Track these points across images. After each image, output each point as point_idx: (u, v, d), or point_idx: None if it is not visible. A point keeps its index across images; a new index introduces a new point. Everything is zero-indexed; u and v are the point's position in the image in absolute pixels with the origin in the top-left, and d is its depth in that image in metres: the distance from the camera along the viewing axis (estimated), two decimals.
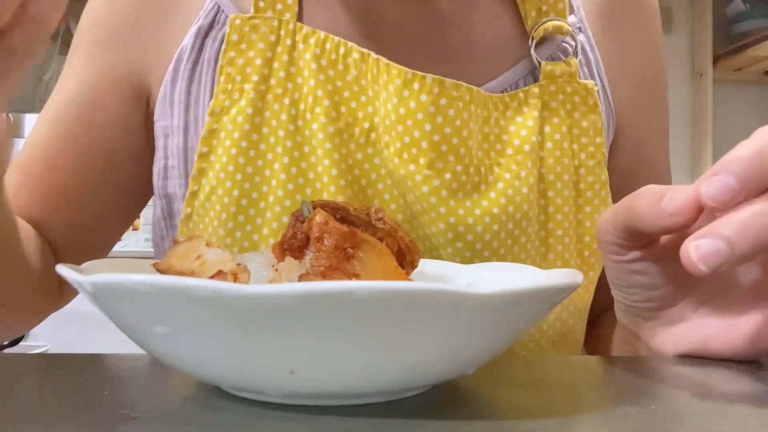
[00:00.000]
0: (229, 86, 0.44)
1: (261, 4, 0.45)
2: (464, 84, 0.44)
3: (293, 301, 0.20)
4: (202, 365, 0.23)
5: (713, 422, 0.24)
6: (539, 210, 0.47)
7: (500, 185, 0.45)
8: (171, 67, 0.47)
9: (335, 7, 0.47)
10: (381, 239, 0.32)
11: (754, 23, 2.06)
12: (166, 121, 0.48)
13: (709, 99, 2.12)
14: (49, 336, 1.48)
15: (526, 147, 0.46)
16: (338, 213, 0.33)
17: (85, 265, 0.29)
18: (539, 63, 0.48)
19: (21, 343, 1.34)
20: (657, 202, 0.30)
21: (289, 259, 0.32)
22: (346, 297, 0.20)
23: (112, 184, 0.52)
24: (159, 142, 0.49)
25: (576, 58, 0.49)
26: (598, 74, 0.51)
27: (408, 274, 0.32)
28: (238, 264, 0.29)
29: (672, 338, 0.35)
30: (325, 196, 0.43)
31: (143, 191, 0.53)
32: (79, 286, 0.23)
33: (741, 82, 2.21)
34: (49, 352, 1.39)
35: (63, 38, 2.09)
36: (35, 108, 2.02)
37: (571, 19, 0.50)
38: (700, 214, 0.29)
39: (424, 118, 0.43)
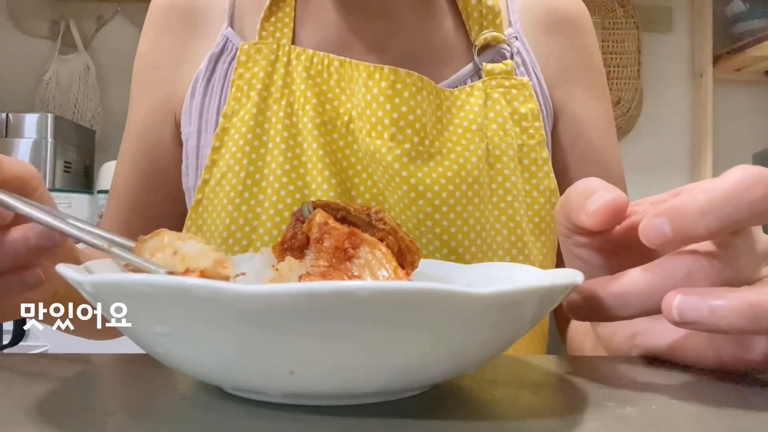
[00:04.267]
0: (239, 95, 0.56)
1: (264, 33, 0.57)
2: (415, 73, 0.54)
3: (293, 301, 0.20)
4: (202, 365, 0.23)
5: (714, 422, 0.24)
6: (490, 179, 0.55)
7: (452, 156, 0.54)
8: (190, 86, 0.59)
9: (320, 31, 0.59)
10: (381, 239, 0.32)
11: (754, 23, 2.05)
12: (186, 128, 0.59)
13: (709, 99, 2.12)
14: (49, 336, 1.48)
15: (473, 127, 0.55)
16: (339, 213, 0.33)
17: (85, 265, 0.29)
18: (481, 65, 0.58)
19: (21, 343, 1.34)
20: (586, 197, 0.31)
21: (289, 259, 0.32)
22: (346, 297, 0.20)
23: (170, 195, 0.63)
24: (184, 147, 0.60)
25: (512, 60, 0.59)
26: (534, 72, 0.61)
27: (408, 274, 0.32)
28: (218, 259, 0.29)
29: (609, 331, 0.36)
30: (315, 174, 0.53)
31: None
32: (79, 286, 0.23)
33: (741, 82, 2.21)
34: (49, 352, 1.39)
35: (63, 38, 2.10)
36: (35, 108, 2.02)
37: (509, 30, 0.61)
38: (620, 222, 0.31)
39: (384, 100, 0.53)
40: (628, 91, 2.09)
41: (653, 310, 0.29)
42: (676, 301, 0.27)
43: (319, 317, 0.20)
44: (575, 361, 0.38)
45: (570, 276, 0.28)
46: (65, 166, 1.84)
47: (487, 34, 0.59)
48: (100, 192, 1.48)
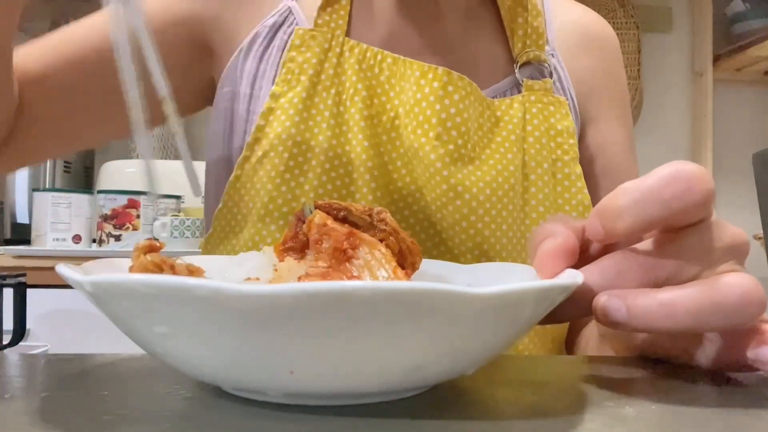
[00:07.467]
0: (289, 77, 0.56)
1: (320, 21, 0.58)
2: (466, 78, 0.56)
3: (293, 301, 0.20)
4: (202, 365, 0.23)
5: (714, 422, 0.24)
6: (523, 189, 0.57)
7: (491, 162, 0.56)
8: (245, 45, 0.59)
9: (375, 27, 0.60)
10: (382, 240, 0.32)
11: (754, 23, 2.05)
12: (234, 88, 0.59)
13: (709, 99, 2.12)
14: (49, 336, 1.48)
15: (512, 137, 0.57)
16: (340, 213, 0.33)
17: (85, 265, 0.29)
18: (521, 80, 0.60)
19: (21, 343, 1.34)
20: (536, 244, 0.32)
21: (288, 259, 0.32)
22: (345, 297, 0.20)
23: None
24: (222, 106, 0.59)
25: (551, 78, 0.61)
26: (568, 90, 0.63)
27: (408, 275, 0.32)
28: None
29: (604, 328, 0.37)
30: (357, 164, 0.54)
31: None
32: (79, 286, 0.23)
33: (741, 82, 2.21)
34: (49, 352, 1.39)
35: None
36: None
37: (546, 48, 0.63)
38: (573, 262, 0.31)
39: (434, 99, 0.55)
40: (628, 91, 2.09)
41: (589, 310, 0.30)
42: (600, 303, 0.29)
43: (318, 317, 0.20)
44: (575, 361, 0.38)
45: (570, 276, 0.28)
46: (65, 166, 1.84)
47: (530, 53, 0.61)
48: (100, 192, 1.48)
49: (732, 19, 2.12)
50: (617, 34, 2.07)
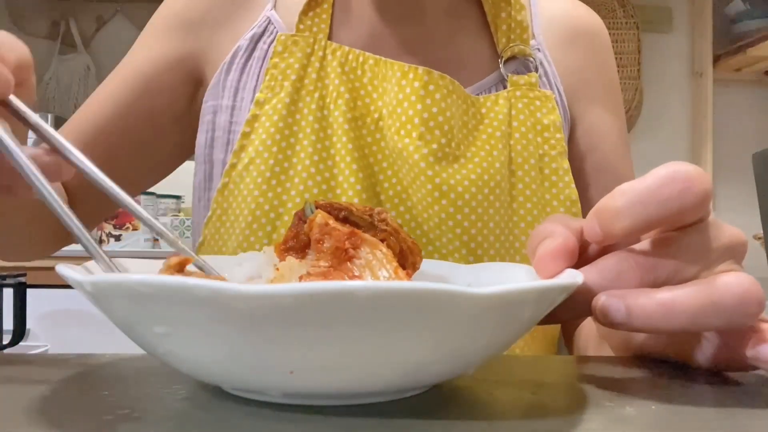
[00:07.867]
0: (272, 83, 0.56)
1: (302, 26, 0.58)
2: (448, 77, 0.56)
3: (293, 301, 0.20)
4: (202, 365, 0.23)
5: (714, 422, 0.24)
6: (509, 186, 0.57)
7: (476, 159, 0.55)
8: (227, 60, 0.59)
9: (357, 29, 0.60)
10: (383, 240, 0.32)
11: (754, 23, 2.06)
12: (216, 101, 0.60)
13: (709, 99, 2.12)
14: (49, 336, 1.48)
15: (497, 134, 0.57)
16: (341, 213, 0.33)
17: (85, 265, 0.29)
18: (506, 76, 0.60)
19: (21, 343, 1.34)
20: (536, 244, 0.32)
21: (289, 258, 0.32)
22: (346, 297, 0.20)
23: (147, 145, 0.63)
24: (206, 118, 0.60)
25: (536, 72, 0.61)
26: (555, 84, 0.62)
27: (409, 275, 0.32)
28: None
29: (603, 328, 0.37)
30: (342, 167, 0.54)
31: (166, 159, 0.66)
32: (79, 286, 0.23)
33: (741, 82, 2.21)
34: (49, 352, 1.39)
35: (63, 38, 2.10)
36: (35, 108, 2.01)
37: (532, 42, 0.63)
38: (572, 262, 0.31)
39: (416, 99, 0.54)
40: (628, 91, 2.08)
41: (589, 310, 0.30)
42: (600, 303, 0.29)
43: (319, 317, 0.20)
44: (575, 362, 0.38)
45: (570, 276, 0.28)
46: None
47: (515, 47, 0.61)
48: None
49: (732, 19, 2.12)
50: (617, 34, 2.08)
